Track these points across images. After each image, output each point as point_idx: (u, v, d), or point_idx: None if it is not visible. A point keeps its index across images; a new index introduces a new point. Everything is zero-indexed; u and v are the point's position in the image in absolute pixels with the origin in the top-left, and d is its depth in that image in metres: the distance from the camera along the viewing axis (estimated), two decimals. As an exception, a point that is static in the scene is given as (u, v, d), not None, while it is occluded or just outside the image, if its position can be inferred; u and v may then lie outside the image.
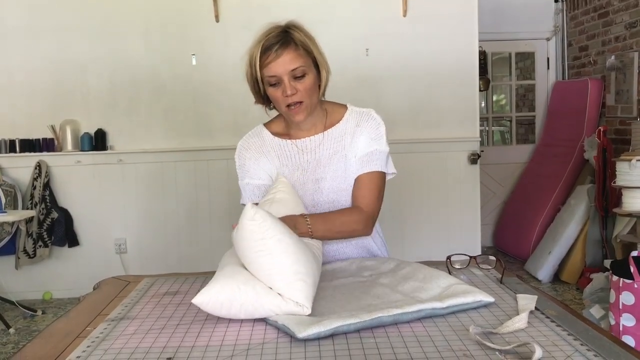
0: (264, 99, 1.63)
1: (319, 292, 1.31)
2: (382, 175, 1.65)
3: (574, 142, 4.96)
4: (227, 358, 1.01)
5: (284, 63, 1.51)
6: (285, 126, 1.69)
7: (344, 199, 1.64)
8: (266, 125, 1.72)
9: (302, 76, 1.54)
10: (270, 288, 1.19)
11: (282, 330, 1.12)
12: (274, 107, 1.65)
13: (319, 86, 1.61)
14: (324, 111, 1.68)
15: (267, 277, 1.19)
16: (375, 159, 1.63)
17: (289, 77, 1.52)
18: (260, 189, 1.67)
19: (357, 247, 1.69)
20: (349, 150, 1.64)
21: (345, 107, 1.70)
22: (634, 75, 4.42)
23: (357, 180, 1.63)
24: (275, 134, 1.69)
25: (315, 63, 1.58)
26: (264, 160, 1.67)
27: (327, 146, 1.65)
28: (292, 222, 1.42)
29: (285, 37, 1.53)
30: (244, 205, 1.69)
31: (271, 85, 1.55)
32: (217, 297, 1.17)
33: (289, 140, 1.67)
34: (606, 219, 4.26)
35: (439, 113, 4.40)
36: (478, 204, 4.48)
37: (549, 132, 5.40)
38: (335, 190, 1.64)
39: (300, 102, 1.55)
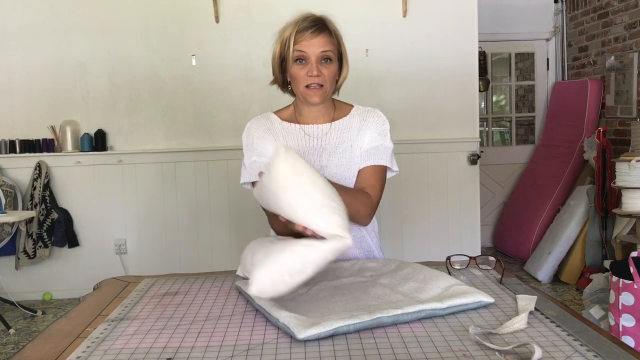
0: (283, 77, 1.67)
1: (318, 293, 1.31)
2: (385, 170, 1.71)
3: (574, 142, 4.96)
4: (227, 358, 1.01)
5: (318, 44, 1.59)
6: (293, 114, 1.74)
7: None
8: (274, 112, 1.76)
9: (329, 62, 1.61)
10: (305, 233, 1.20)
11: (282, 330, 1.12)
12: (290, 90, 1.70)
13: (336, 82, 1.68)
14: (333, 105, 1.74)
15: (304, 215, 1.19)
16: (380, 153, 1.68)
17: (317, 59, 1.59)
18: None
19: (354, 240, 1.70)
20: (355, 142, 1.69)
21: (351, 105, 1.77)
22: (634, 75, 4.42)
23: (363, 172, 1.68)
24: (283, 119, 1.73)
25: (339, 59, 1.65)
26: (271, 141, 1.69)
27: (334, 136, 1.70)
28: None
29: (322, 23, 1.62)
30: (244, 185, 1.72)
31: (297, 60, 1.60)
32: (268, 278, 1.17)
33: (297, 125, 1.71)
34: (606, 220, 4.26)
35: (438, 114, 4.41)
36: (478, 205, 4.48)
37: (548, 133, 5.40)
38: (338, 178, 1.67)
39: (321, 86, 1.61)
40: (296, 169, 1.21)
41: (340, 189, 1.56)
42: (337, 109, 1.74)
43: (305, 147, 1.69)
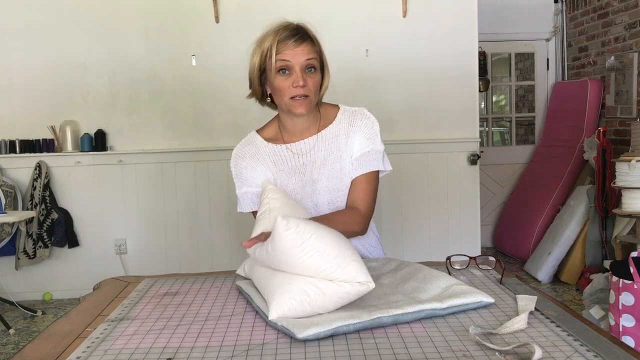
0: (262, 89, 1.62)
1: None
2: (377, 174, 1.67)
3: (574, 142, 4.96)
4: (227, 358, 1.01)
5: (302, 52, 1.53)
6: (278, 131, 1.69)
7: (342, 199, 1.65)
8: (259, 131, 1.72)
9: (313, 71, 1.56)
10: (329, 280, 1.17)
11: (282, 331, 1.12)
12: (269, 103, 1.66)
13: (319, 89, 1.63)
14: (318, 114, 1.68)
15: (322, 273, 1.17)
16: (371, 159, 1.64)
17: (301, 68, 1.54)
18: (259, 197, 1.65)
19: (355, 239, 1.69)
20: (344, 150, 1.65)
21: (337, 107, 1.71)
22: (634, 75, 4.42)
23: (355, 182, 1.64)
24: (268, 140, 1.69)
25: (320, 66, 1.60)
26: (260, 168, 1.66)
27: (322, 147, 1.65)
28: None
29: (303, 31, 1.57)
30: (242, 213, 1.70)
31: (280, 71, 1.54)
32: (289, 306, 1.15)
33: (282, 145, 1.67)
34: (606, 220, 4.26)
35: (438, 114, 4.41)
36: (478, 205, 4.48)
37: (548, 133, 5.40)
38: (331, 190, 1.64)
39: (306, 96, 1.56)
40: (302, 235, 1.16)
41: (332, 219, 1.48)
42: (322, 117, 1.68)
43: (294, 167, 1.65)
